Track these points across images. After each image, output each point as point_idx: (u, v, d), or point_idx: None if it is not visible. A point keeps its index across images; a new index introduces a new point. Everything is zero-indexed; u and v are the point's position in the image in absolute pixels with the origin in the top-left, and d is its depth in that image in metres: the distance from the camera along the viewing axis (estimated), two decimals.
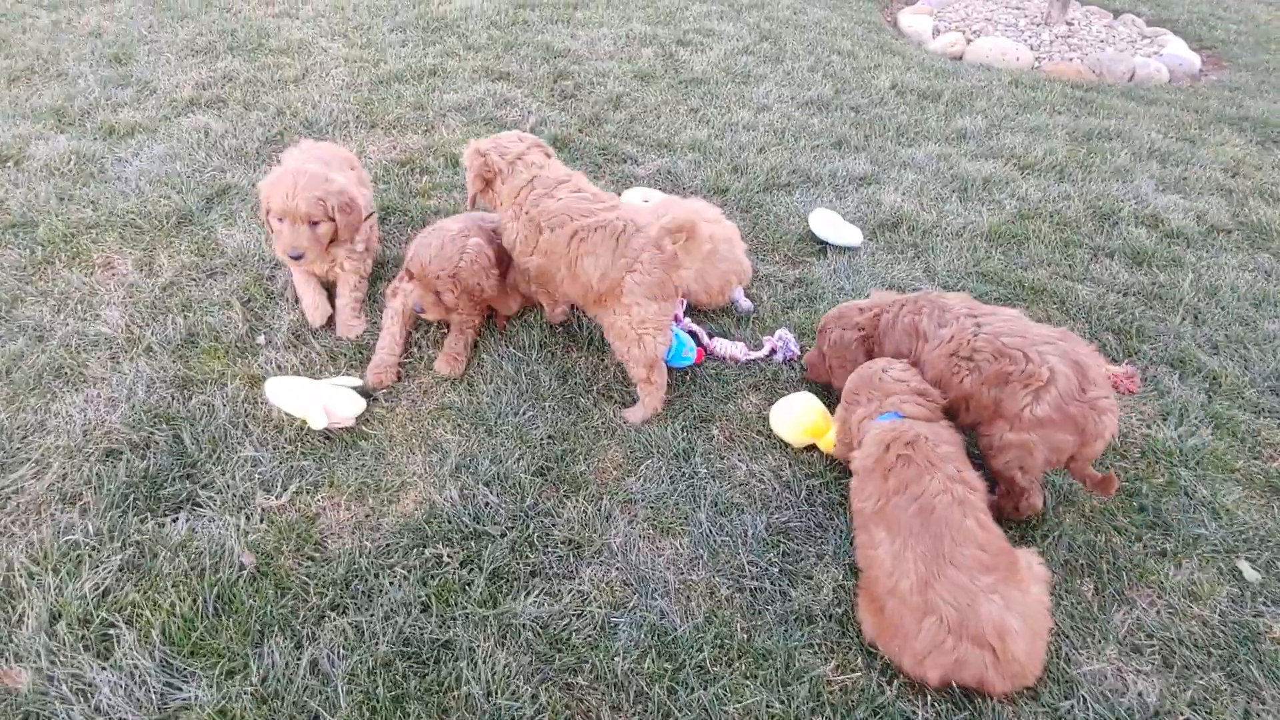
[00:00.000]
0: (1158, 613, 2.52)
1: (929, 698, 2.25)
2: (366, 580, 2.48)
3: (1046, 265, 4.23)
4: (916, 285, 4.02)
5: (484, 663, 2.25)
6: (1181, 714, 2.24)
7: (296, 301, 3.62)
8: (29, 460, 2.82)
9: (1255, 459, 3.08)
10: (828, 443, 3.02)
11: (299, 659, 2.24)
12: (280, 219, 3.28)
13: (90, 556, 2.47)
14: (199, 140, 5.03)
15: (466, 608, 2.41)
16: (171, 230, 4.15)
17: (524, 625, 2.37)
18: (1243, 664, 2.38)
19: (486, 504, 2.74)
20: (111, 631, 2.29)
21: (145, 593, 2.37)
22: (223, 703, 2.13)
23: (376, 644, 2.29)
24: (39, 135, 5.01)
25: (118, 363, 3.29)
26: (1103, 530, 2.76)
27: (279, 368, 3.29)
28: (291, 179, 3.26)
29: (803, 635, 2.40)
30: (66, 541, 2.51)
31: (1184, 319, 3.86)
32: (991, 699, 2.21)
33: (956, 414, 2.71)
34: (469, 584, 2.48)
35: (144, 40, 6.32)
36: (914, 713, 2.22)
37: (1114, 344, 3.65)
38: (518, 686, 2.21)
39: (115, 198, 4.37)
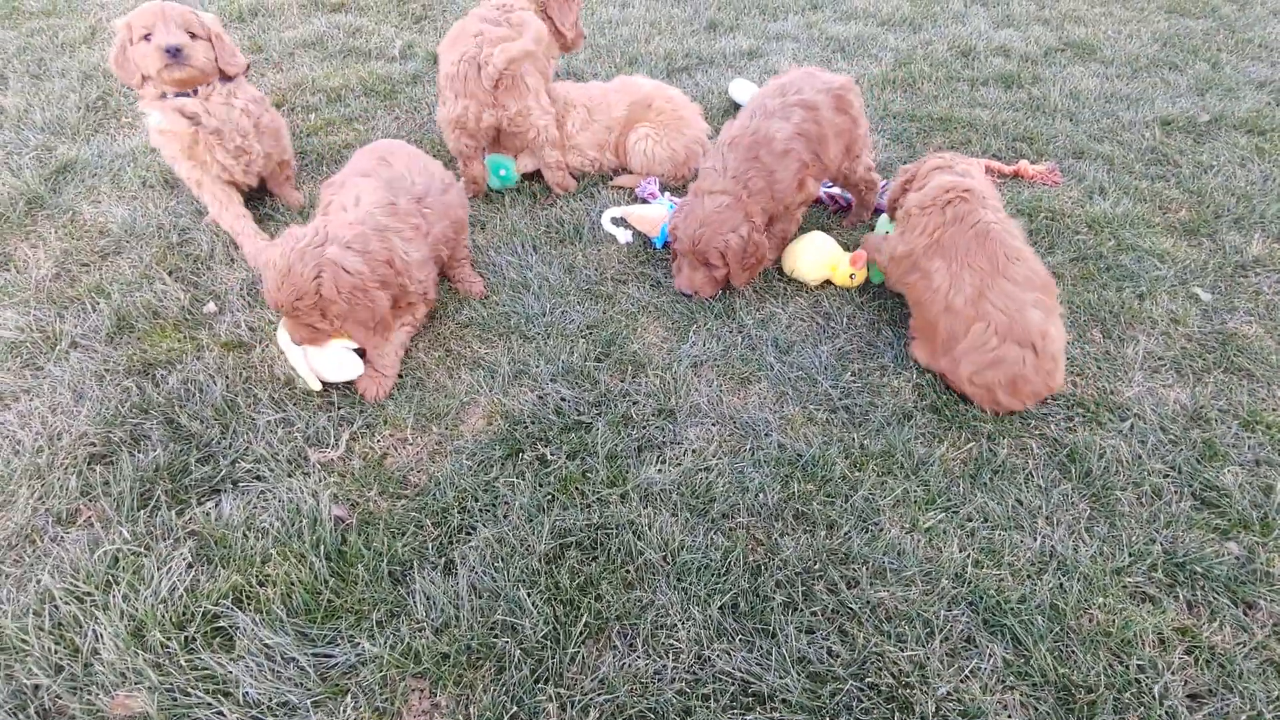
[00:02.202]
0: (1156, 339, 2.93)
1: (1032, 446, 2.49)
2: (479, 498, 2.28)
3: (941, 100, 4.61)
4: None
5: (650, 529, 2.18)
6: (1210, 407, 2.65)
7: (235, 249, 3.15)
8: None
9: (1166, 212, 3.63)
10: (841, 275, 3.16)
11: (455, 585, 2.04)
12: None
13: (144, 561, 2.06)
14: None
15: (599, 492, 2.30)
16: (22, 218, 3.40)
17: (662, 491, 2.31)
18: (1231, 358, 2.85)
19: (563, 399, 2.60)
20: (222, 622, 1.95)
21: (245, 573, 2.03)
22: (397, 647, 1.90)
23: (530, 546, 2.13)
24: None
25: (39, 367, 2.70)
26: (1090, 290, 3.14)
27: (251, 329, 2.86)
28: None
29: (910, 430, 2.54)
30: (101, 555, 2.07)
31: (1063, 120, 4.39)
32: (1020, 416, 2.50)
33: None
34: (588, 471, 2.36)
35: None
36: (1024, 464, 2.45)
37: (1027, 149, 4.09)
38: (687, 540, 2.17)
39: None
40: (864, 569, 2.11)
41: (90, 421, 2.47)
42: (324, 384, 2.57)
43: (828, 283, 3.20)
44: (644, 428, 2.53)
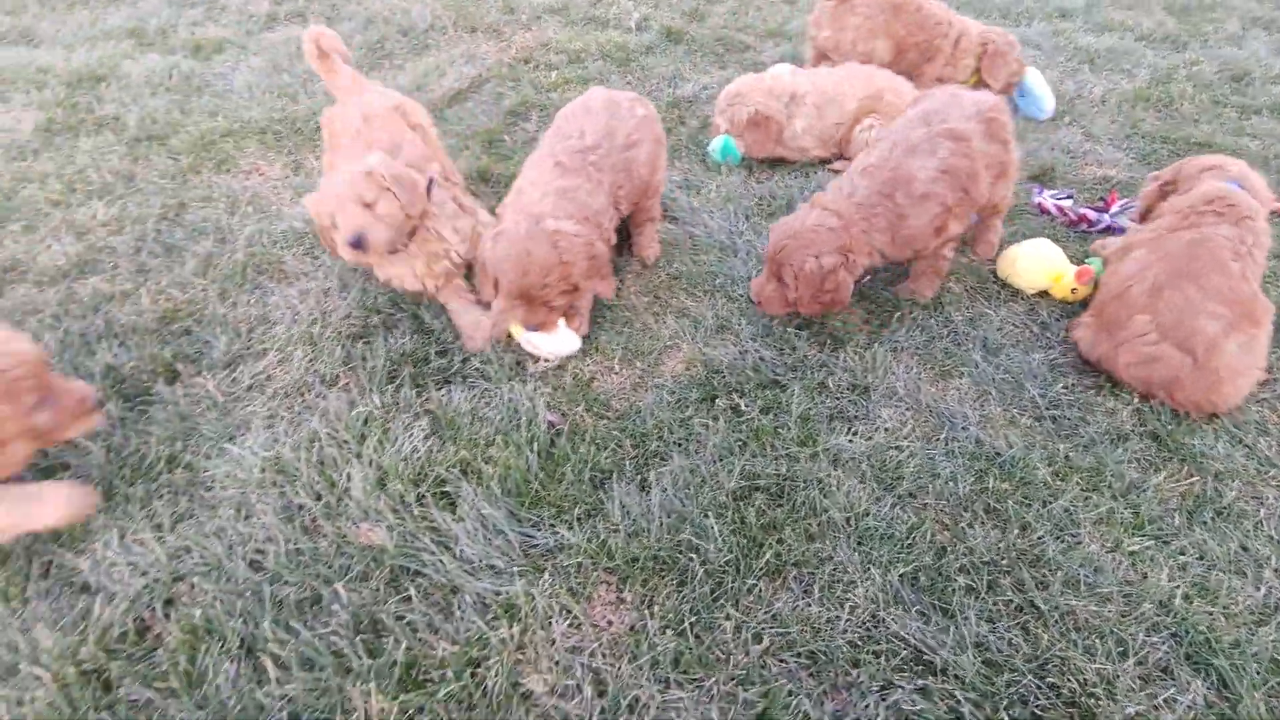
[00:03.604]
0: None
1: (1268, 496, 2.28)
2: (674, 430, 2.42)
3: (1203, 124, 4.21)
4: (1084, 149, 3.98)
5: (837, 490, 2.23)
6: None
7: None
8: (269, 350, 2.70)
9: None
10: (1062, 288, 3.00)
11: (648, 501, 2.20)
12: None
13: (390, 425, 2.38)
14: (296, 51, 4.76)
15: (789, 448, 2.37)
16: (312, 135, 3.95)
17: (851, 459, 2.35)
18: None
19: (762, 358, 2.69)
20: (448, 488, 2.22)
21: (472, 450, 2.30)
22: (594, 540, 2.08)
23: (720, 482, 2.25)
24: (125, 55, 4.72)
25: (314, 256, 3.15)
26: None
27: None
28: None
29: (1123, 452, 2.40)
30: (357, 414, 2.41)
31: None
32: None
33: None
34: (779, 427, 2.44)
35: None
36: (1255, 511, 2.25)
37: None
38: (872, 509, 2.19)
39: (237, 108, 4.16)
40: (1056, 575, 2.05)
41: (353, 305, 2.86)
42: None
43: (1045, 293, 3.06)
44: (838, 399, 2.57)
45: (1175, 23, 5.41)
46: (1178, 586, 2.03)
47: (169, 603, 1.97)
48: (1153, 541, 2.15)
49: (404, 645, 1.86)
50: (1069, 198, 3.48)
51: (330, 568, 2.03)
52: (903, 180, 2.67)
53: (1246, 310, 2.43)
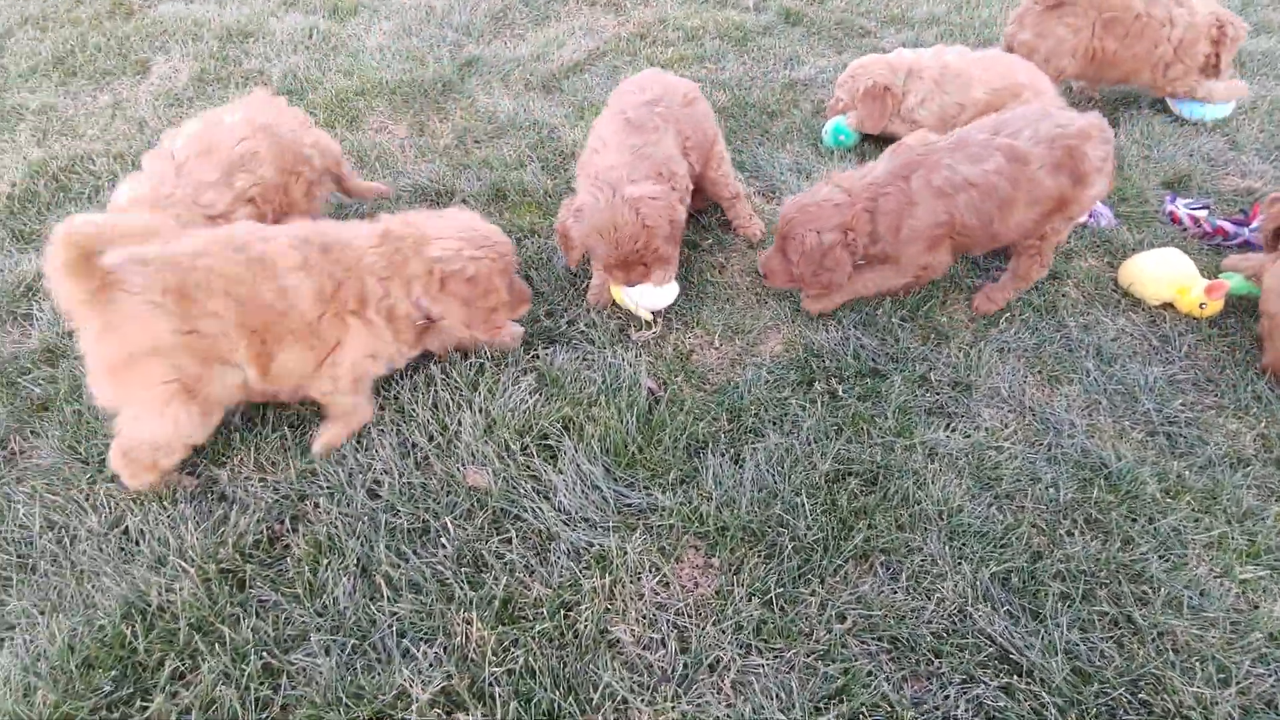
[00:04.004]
0: None
1: None
2: (770, 409, 2.46)
3: None
4: (1227, 158, 3.74)
5: (932, 483, 2.22)
6: None
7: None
8: None
9: None
10: (1189, 302, 2.85)
11: (741, 474, 2.24)
12: None
13: (500, 377, 2.50)
14: (425, 17, 4.96)
15: (885, 437, 2.37)
16: (438, 97, 4.12)
17: (947, 454, 2.33)
18: None
19: (863, 346, 2.68)
20: (551, 441, 2.33)
21: (575, 408, 2.40)
22: (686, 506, 2.15)
23: (814, 463, 2.28)
24: (271, 13, 5.01)
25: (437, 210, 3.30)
26: None
27: None
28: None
29: (1242, 477, 2.29)
30: (470, 364, 2.54)
31: None
32: None
33: None
34: (877, 415, 2.44)
35: None
36: None
37: None
38: (966, 505, 2.18)
39: (369, 69, 4.36)
40: (1158, 593, 1.99)
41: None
42: (653, 314, 2.79)
43: (1169, 305, 2.92)
44: (938, 394, 2.54)
45: None
46: None
47: (295, 519, 2.15)
48: (1268, 571, 2.06)
49: (503, 582, 1.98)
50: (1205, 208, 3.29)
51: (439, 503, 2.17)
52: (929, 165, 2.52)
53: None
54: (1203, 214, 3.26)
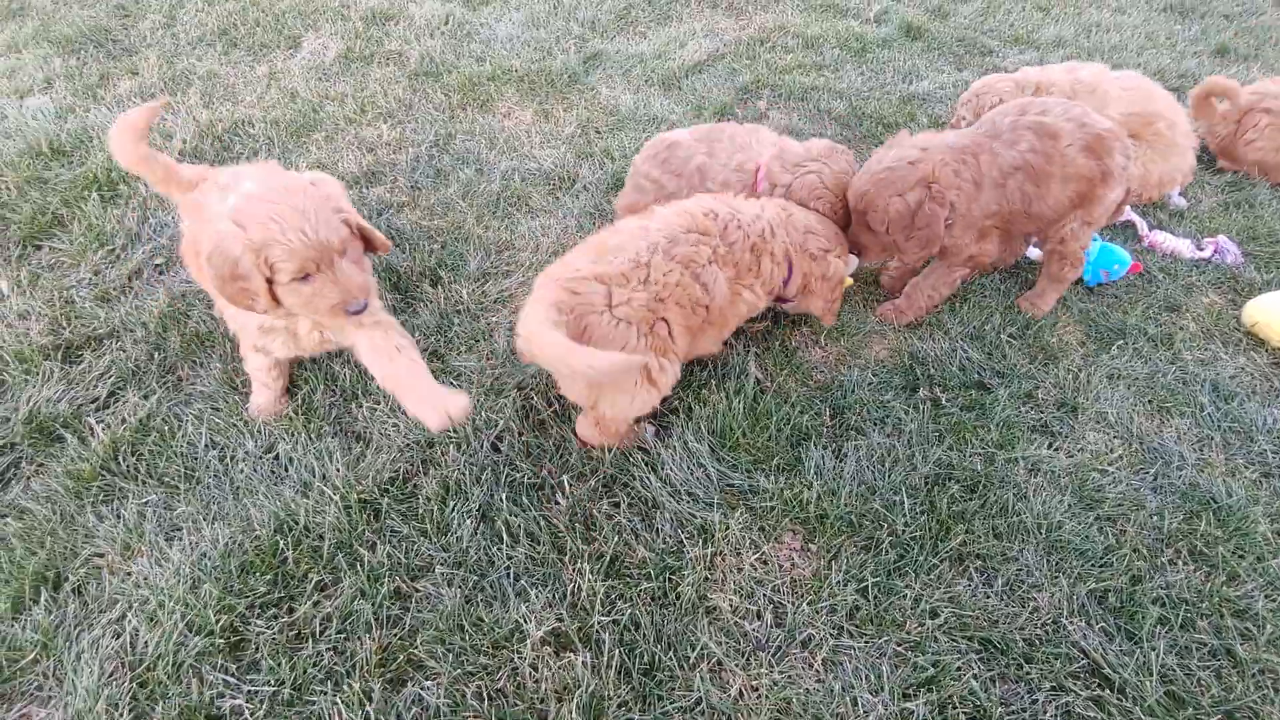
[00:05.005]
0: None
1: None
2: (873, 411, 2.52)
3: None
4: None
5: (1033, 497, 2.25)
6: None
7: None
8: (514, 271, 3.06)
9: None
10: None
11: (842, 468, 2.33)
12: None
13: None
14: (553, 9, 5.17)
15: (987, 449, 2.41)
16: (563, 88, 4.31)
17: (1050, 471, 2.35)
18: None
19: (969, 358, 2.71)
20: (670, 419, 2.46)
21: (685, 390, 2.52)
22: (787, 491, 2.25)
23: (914, 464, 2.34)
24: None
25: (556, 197, 3.49)
26: None
27: None
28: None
29: None
30: None
31: None
32: None
33: None
34: (978, 427, 2.47)
35: None
36: None
37: None
38: (1065, 522, 2.20)
39: (500, 56, 4.59)
40: (1262, 631, 1.98)
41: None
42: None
43: None
44: (1043, 411, 2.56)
45: None
46: None
47: (425, 462, 2.35)
48: None
49: (612, 541, 2.12)
50: None
51: (554, 462, 2.33)
52: (989, 150, 2.51)
53: None
54: None
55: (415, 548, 2.12)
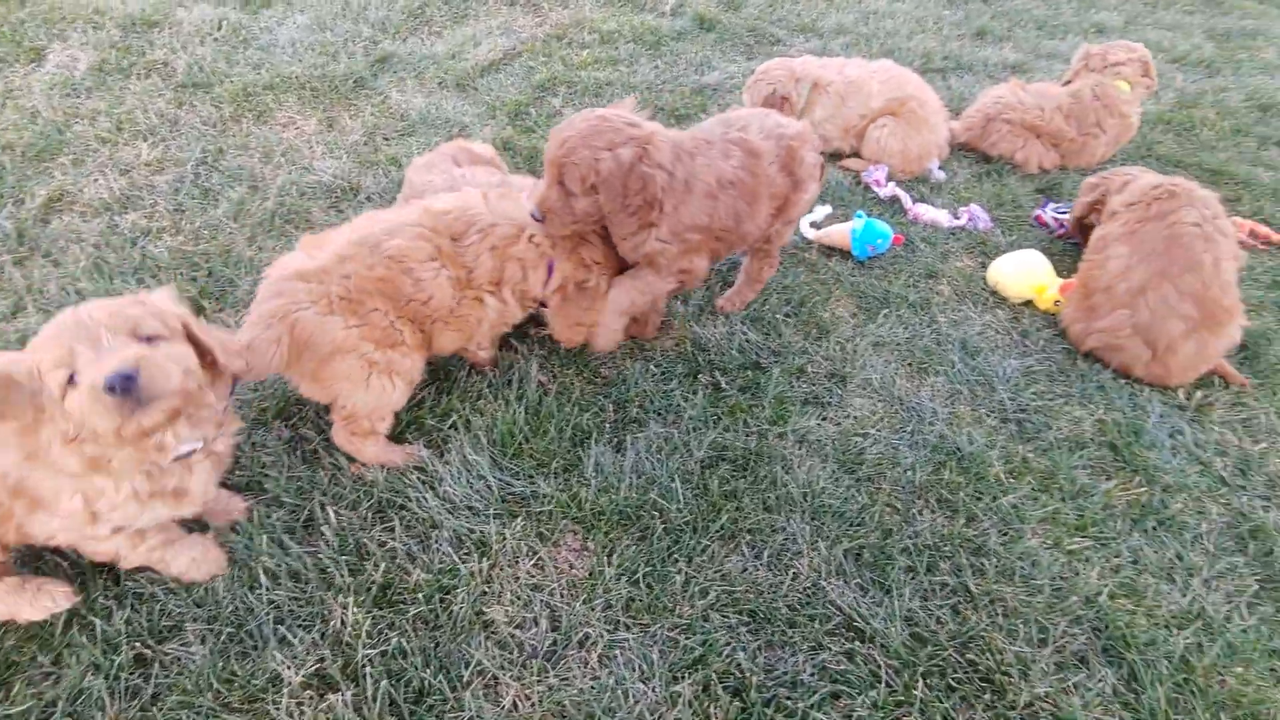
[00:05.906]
0: None
1: (1212, 511, 2.39)
2: (655, 401, 2.58)
3: (1220, 151, 4.23)
4: (1097, 167, 4.04)
5: (799, 468, 2.38)
6: None
7: None
8: None
9: None
10: (1046, 300, 3.10)
11: (622, 462, 2.36)
12: None
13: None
14: (342, 10, 4.95)
15: (760, 425, 2.52)
16: (349, 93, 4.13)
17: (816, 441, 2.49)
18: None
19: (748, 340, 2.83)
20: (448, 433, 2.40)
21: (465, 401, 2.47)
22: (566, 493, 2.25)
23: (690, 450, 2.41)
24: (179, 3, 4.91)
25: (340, 210, 3.34)
26: None
27: None
28: None
29: (1079, 458, 2.52)
30: None
31: None
32: None
33: None
34: (754, 406, 2.58)
35: None
36: (1196, 524, 2.36)
37: None
38: (829, 487, 2.34)
39: (280, 62, 4.33)
40: (993, 564, 2.18)
41: None
42: None
43: (1029, 303, 3.16)
44: (814, 385, 2.71)
45: (1214, 47, 5.38)
46: (1106, 585, 2.15)
47: None
48: (1091, 542, 2.28)
49: (382, 568, 2.05)
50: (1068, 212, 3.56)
51: (325, 494, 2.22)
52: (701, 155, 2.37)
53: (1211, 309, 2.73)
54: (1067, 217, 3.52)
55: (163, 607, 1.95)
